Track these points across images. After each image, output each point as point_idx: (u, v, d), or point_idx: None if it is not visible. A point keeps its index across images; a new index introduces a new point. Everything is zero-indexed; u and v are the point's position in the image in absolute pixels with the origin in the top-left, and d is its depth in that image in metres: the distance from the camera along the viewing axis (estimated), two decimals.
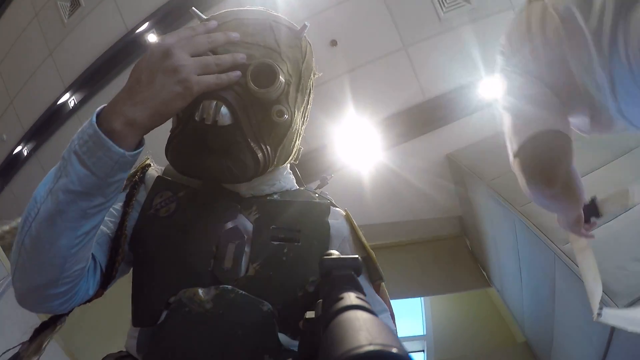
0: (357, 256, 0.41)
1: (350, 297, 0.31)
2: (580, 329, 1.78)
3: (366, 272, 0.66)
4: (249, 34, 0.58)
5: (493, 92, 3.05)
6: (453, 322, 3.48)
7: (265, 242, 0.59)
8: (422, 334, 3.61)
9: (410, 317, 3.80)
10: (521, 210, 2.30)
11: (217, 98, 0.51)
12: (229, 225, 0.60)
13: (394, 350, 0.21)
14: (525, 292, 2.56)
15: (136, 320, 0.58)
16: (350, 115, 3.23)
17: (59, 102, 3.90)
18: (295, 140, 0.67)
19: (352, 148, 3.39)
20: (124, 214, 0.60)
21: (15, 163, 4.61)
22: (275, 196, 0.65)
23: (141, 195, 0.64)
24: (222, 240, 0.59)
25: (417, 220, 3.94)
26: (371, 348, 0.21)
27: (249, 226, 0.60)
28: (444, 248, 3.89)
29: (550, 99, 0.74)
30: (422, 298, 3.78)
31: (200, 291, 0.55)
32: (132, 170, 0.64)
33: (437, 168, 3.55)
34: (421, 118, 3.34)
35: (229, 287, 0.55)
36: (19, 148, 4.48)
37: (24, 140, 4.40)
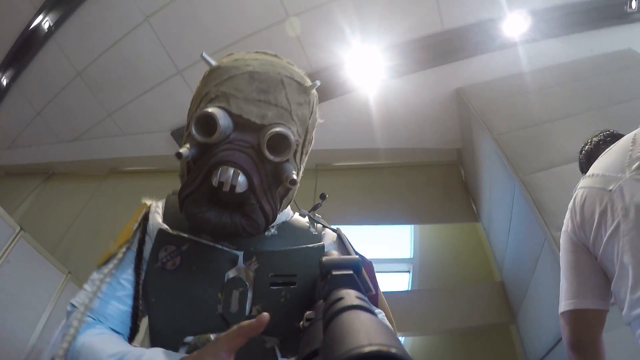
0: (357, 257, 0.42)
1: (351, 297, 0.32)
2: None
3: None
4: (262, 91, 0.61)
5: (515, 32, 2.78)
6: (439, 251, 3.78)
7: (265, 288, 0.66)
8: (409, 257, 3.93)
9: (400, 239, 4.09)
10: (524, 180, 2.31)
11: (235, 166, 0.56)
12: (231, 274, 0.66)
13: (394, 350, 0.21)
14: (509, 247, 2.74)
15: None
16: (362, 38, 3.07)
17: (32, 25, 3.55)
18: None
19: (361, 72, 3.30)
20: (137, 283, 0.66)
21: None
22: (272, 230, 0.71)
23: (146, 250, 0.68)
24: (226, 288, 0.65)
25: (417, 149, 3.99)
26: (371, 348, 0.21)
27: (251, 275, 0.66)
28: (438, 174, 4.04)
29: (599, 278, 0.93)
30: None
31: (212, 336, 0.61)
32: (136, 218, 0.71)
33: (445, 100, 3.48)
34: (435, 49, 3.12)
35: None
36: None
37: (1, 70, 4.10)
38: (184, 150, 0.59)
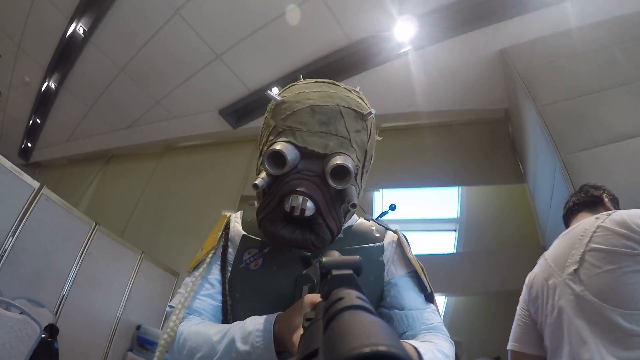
0: (357, 257, 0.44)
1: (351, 297, 0.32)
2: None
3: (416, 285, 0.79)
4: (323, 123, 0.69)
5: None
6: (485, 212, 3.88)
7: None
8: (456, 216, 4.09)
9: (447, 200, 4.24)
10: (565, 159, 2.31)
11: (303, 194, 0.66)
12: (303, 272, 0.77)
13: (394, 350, 0.21)
14: (551, 216, 2.76)
15: None
16: (400, 7, 3.09)
17: (68, 33, 3.86)
18: None
19: (406, 37, 3.33)
20: (224, 282, 0.79)
21: (48, 97, 4.88)
22: (340, 235, 0.79)
23: (229, 254, 0.81)
24: (298, 284, 0.76)
25: (462, 110, 3.99)
26: (371, 348, 0.21)
27: (318, 271, 0.87)
28: (486, 133, 4.01)
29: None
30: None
31: None
32: (219, 228, 0.83)
33: (489, 62, 3.43)
34: (475, 10, 3.03)
35: None
36: (45, 84, 4.66)
37: (47, 76, 4.51)
38: (259, 181, 0.69)
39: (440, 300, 3.75)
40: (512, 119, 3.71)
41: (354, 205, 0.69)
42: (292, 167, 0.69)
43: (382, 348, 0.21)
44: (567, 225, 1.38)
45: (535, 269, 1.33)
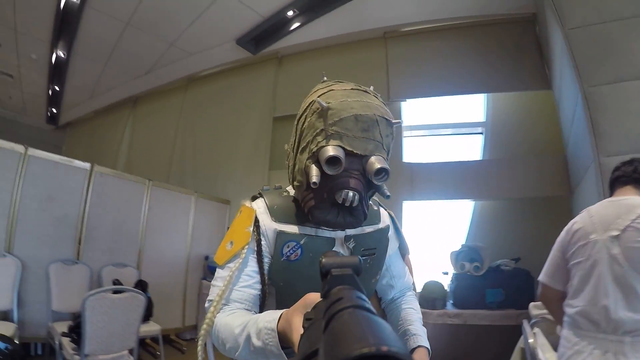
0: (357, 257, 0.45)
1: (351, 297, 0.33)
2: None
3: (400, 248, 1.11)
4: (364, 130, 0.83)
5: None
6: (510, 117, 3.97)
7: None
8: (482, 120, 4.24)
9: (473, 102, 4.35)
10: (586, 92, 2.36)
11: (353, 190, 0.83)
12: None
13: (394, 350, 0.22)
14: (572, 137, 2.88)
15: None
16: None
17: (62, 5, 3.84)
18: None
19: None
20: (261, 273, 0.90)
21: (60, 66, 4.92)
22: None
23: (263, 245, 0.91)
24: None
25: (487, 15, 3.86)
26: (371, 348, 0.22)
27: (347, 251, 0.95)
28: (511, 34, 3.86)
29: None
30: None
31: None
32: (249, 222, 0.91)
33: None
34: None
35: None
36: (54, 55, 4.67)
37: (53, 47, 4.52)
38: (316, 179, 0.83)
39: (468, 204, 4.14)
40: (540, 21, 3.51)
41: (388, 197, 0.90)
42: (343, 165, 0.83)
43: (383, 348, 0.22)
44: (611, 189, 1.59)
45: (578, 219, 1.53)
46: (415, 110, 4.47)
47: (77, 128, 7.79)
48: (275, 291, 0.91)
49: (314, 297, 0.56)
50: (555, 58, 3.06)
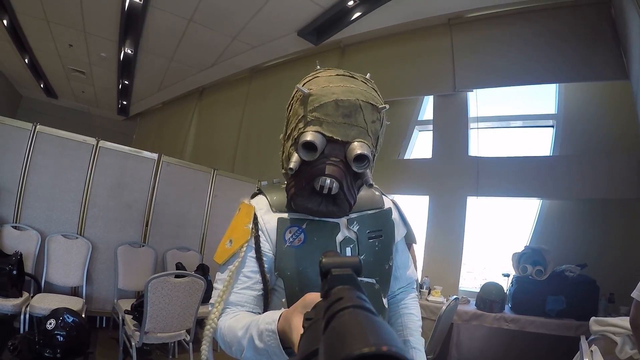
0: (357, 257, 0.46)
1: (351, 297, 0.34)
2: None
3: (407, 236, 1.11)
4: (345, 115, 0.83)
5: None
6: (584, 109, 3.71)
7: (365, 241, 0.95)
8: (553, 112, 4.02)
9: (544, 93, 4.13)
10: None
11: (331, 177, 0.81)
12: (340, 237, 0.93)
13: (394, 350, 0.22)
14: None
15: None
16: None
17: (126, 6, 4.22)
18: None
19: None
20: (263, 275, 0.89)
21: (129, 62, 5.43)
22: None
23: (262, 242, 0.90)
24: (342, 246, 0.92)
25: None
26: (371, 348, 0.22)
27: (353, 234, 0.95)
28: (584, 18, 3.54)
29: None
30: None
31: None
32: (247, 219, 0.92)
33: None
34: None
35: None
36: (122, 53, 5.16)
37: (121, 46, 4.98)
38: (293, 165, 0.83)
39: (534, 203, 3.95)
40: (616, 3, 3.23)
41: (370, 185, 0.89)
42: (320, 153, 0.83)
43: (383, 348, 0.22)
44: None
45: None
46: (483, 101, 4.32)
47: (146, 118, 8.48)
48: (284, 284, 0.89)
49: (314, 297, 0.57)
50: (633, 45, 2.82)
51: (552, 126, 4.04)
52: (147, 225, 3.74)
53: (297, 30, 4.60)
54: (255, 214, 0.92)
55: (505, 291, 3.36)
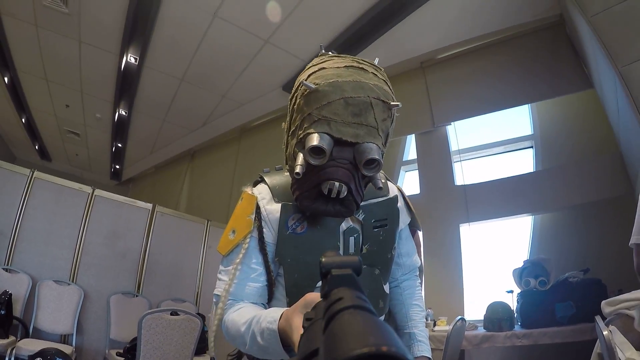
0: (356, 257, 0.45)
1: (350, 297, 0.34)
2: None
3: (411, 223, 1.11)
4: (355, 115, 0.79)
5: None
6: (558, 124, 3.94)
7: (370, 230, 0.95)
8: (530, 133, 4.22)
9: (519, 117, 4.36)
10: (622, 72, 2.37)
11: (339, 181, 0.79)
12: (344, 226, 0.92)
13: (394, 350, 0.22)
14: (621, 125, 2.80)
15: (293, 301, 0.71)
16: None
17: (122, 67, 4.54)
18: None
19: None
20: (266, 262, 0.90)
21: (123, 124, 5.73)
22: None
23: (265, 232, 0.91)
24: (345, 236, 0.92)
25: (516, 26, 3.99)
26: (371, 348, 0.22)
27: (358, 223, 0.94)
28: (544, 40, 3.93)
29: None
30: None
31: None
32: (250, 209, 0.91)
33: None
34: None
35: None
36: (117, 114, 5.48)
37: (116, 107, 5.35)
38: (299, 169, 0.80)
39: (526, 220, 4.00)
40: (568, 22, 3.60)
41: (380, 189, 0.87)
42: (328, 154, 0.80)
43: (383, 348, 0.22)
44: None
45: None
46: (462, 132, 4.55)
47: (139, 183, 8.62)
48: (283, 271, 0.89)
49: (314, 297, 0.58)
50: (588, 52, 3.12)
51: (532, 147, 4.22)
52: (141, 275, 3.69)
53: (282, 85, 4.92)
54: (257, 204, 0.92)
55: (512, 308, 3.29)
